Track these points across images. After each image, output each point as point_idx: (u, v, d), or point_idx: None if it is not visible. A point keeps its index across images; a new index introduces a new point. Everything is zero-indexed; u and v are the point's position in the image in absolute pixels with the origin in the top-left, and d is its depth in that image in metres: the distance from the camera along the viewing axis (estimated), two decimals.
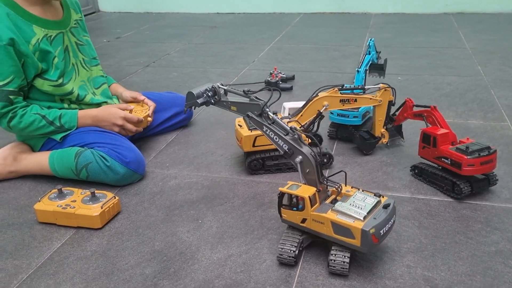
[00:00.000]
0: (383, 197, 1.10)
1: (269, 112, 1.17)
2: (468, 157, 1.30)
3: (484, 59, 2.76)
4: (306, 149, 1.11)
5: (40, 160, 1.53)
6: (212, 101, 1.26)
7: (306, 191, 1.07)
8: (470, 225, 1.24)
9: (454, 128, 1.78)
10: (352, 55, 2.96)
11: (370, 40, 1.91)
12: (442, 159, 1.37)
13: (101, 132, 1.55)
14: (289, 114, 1.60)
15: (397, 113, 1.65)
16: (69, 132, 1.54)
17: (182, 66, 2.86)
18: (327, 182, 1.13)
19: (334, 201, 1.12)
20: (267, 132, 1.17)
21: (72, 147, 1.50)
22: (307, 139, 1.39)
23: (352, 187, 1.15)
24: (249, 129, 1.51)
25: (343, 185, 1.15)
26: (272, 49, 3.20)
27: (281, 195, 1.11)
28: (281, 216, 1.13)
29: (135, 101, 1.74)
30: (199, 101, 1.24)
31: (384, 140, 1.64)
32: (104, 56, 3.14)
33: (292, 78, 2.48)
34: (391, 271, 1.08)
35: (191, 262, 1.14)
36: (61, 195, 1.34)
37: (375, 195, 1.09)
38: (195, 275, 1.10)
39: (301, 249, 1.13)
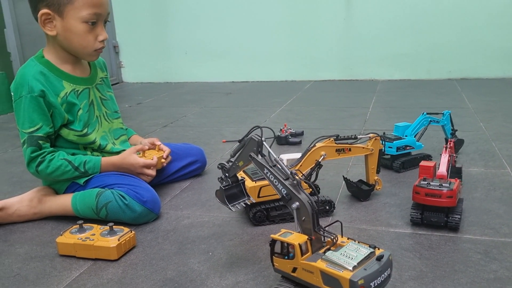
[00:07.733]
0: (378, 248, 1.05)
1: (271, 154, 1.19)
2: (417, 185, 1.41)
3: (487, 117, 2.87)
4: (303, 196, 1.09)
5: (63, 202, 1.65)
6: (228, 175, 1.33)
7: (297, 238, 1.06)
8: (469, 256, 1.28)
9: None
10: (360, 114, 3.11)
11: (447, 111, 2.08)
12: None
13: (121, 174, 1.67)
14: (287, 165, 1.61)
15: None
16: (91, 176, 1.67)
17: (198, 126, 3.04)
18: (323, 232, 1.09)
19: (328, 251, 1.06)
20: (268, 175, 1.17)
21: (94, 188, 1.62)
22: (307, 188, 1.45)
23: (348, 238, 1.10)
24: (252, 180, 1.53)
25: (339, 235, 1.10)
26: (283, 111, 3.38)
27: (273, 242, 1.10)
28: (273, 265, 1.12)
29: (152, 146, 1.87)
30: (228, 193, 1.33)
31: (378, 187, 1.71)
32: (126, 118, 3.33)
33: (301, 133, 2.62)
34: None
35: (201, 287, 1.20)
36: (81, 229, 1.44)
37: (369, 246, 1.04)
38: None
39: None
